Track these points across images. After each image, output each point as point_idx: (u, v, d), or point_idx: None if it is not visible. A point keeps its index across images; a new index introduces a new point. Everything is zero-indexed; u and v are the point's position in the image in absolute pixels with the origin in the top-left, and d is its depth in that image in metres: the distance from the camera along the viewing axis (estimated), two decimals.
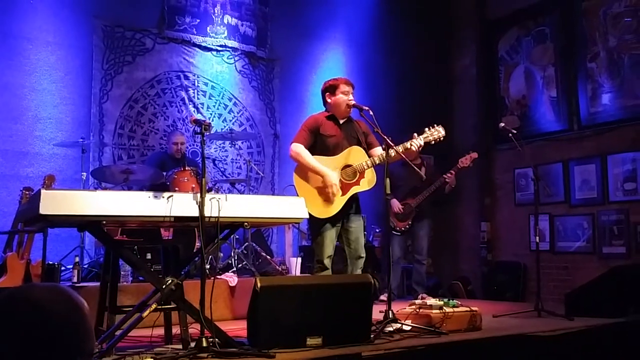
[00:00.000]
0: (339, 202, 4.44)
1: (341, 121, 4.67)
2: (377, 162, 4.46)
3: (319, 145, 4.58)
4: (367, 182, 4.52)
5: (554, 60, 7.99)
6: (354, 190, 4.50)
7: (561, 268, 7.60)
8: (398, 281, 6.88)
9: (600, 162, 7.33)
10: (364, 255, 4.62)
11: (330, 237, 4.48)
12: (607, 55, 7.38)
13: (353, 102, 4.56)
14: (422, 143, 4.51)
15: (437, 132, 4.59)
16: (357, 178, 4.49)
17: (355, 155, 4.53)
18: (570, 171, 7.65)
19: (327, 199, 4.42)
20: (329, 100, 4.68)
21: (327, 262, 4.48)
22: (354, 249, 4.58)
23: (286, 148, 7.70)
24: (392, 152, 4.29)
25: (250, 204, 3.54)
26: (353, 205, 4.59)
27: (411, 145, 4.46)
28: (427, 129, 4.59)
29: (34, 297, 1.43)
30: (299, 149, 4.50)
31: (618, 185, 7.16)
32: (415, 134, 4.53)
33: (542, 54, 8.16)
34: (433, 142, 4.60)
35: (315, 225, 4.49)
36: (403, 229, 6.64)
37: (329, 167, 4.47)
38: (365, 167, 4.47)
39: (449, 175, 6.48)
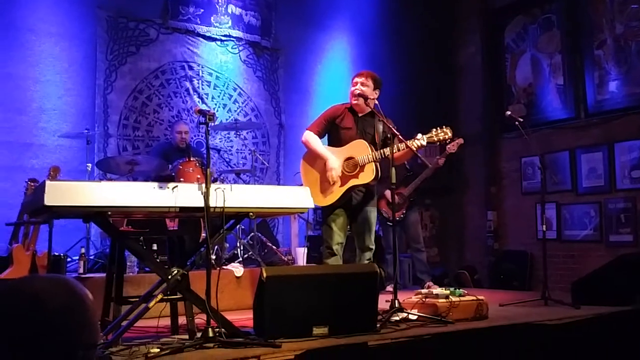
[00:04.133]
0: (337, 192, 4.44)
1: (360, 115, 4.64)
2: (378, 156, 4.43)
3: (333, 135, 4.61)
4: (366, 176, 4.48)
5: (561, 48, 7.94)
6: (352, 182, 4.48)
7: (568, 256, 7.58)
8: (399, 271, 6.88)
9: (607, 150, 7.29)
10: (372, 247, 4.61)
11: (339, 224, 4.50)
12: (614, 42, 7.33)
13: (358, 91, 4.52)
14: (424, 144, 4.41)
15: (443, 134, 4.47)
16: (357, 171, 4.48)
17: (358, 148, 4.50)
18: (577, 159, 7.61)
19: (327, 187, 4.45)
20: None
21: (337, 248, 4.50)
22: (362, 240, 4.60)
23: (291, 138, 7.73)
24: (400, 146, 4.29)
25: (255, 194, 3.53)
26: (364, 196, 4.58)
27: (412, 144, 4.36)
28: (433, 129, 4.47)
29: (34, 289, 1.42)
30: (309, 136, 4.57)
31: (625, 173, 7.12)
32: (420, 134, 4.44)
33: (548, 42, 8.10)
34: (438, 143, 4.53)
35: (325, 212, 4.56)
36: (397, 218, 6.62)
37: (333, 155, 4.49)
38: (367, 161, 4.45)
39: (439, 160, 6.48)
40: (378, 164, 4.49)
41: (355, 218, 4.59)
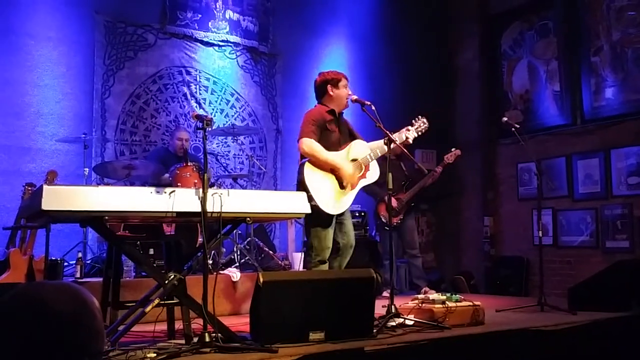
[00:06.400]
0: (350, 196, 4.47)
1: (337, 115, 4.71)
2: (378, 153, 4.55)
3: (323, 140, 4.50)
4: (373, 174, 4.59)
5: (557, 55, 7.96)
6: (362, 183, 4.55)
7: (564, 262, 7.59)
8: (395, 276, 6.90)
9: (604, 156, 7.31)
10: (354, 243, 4.71)
11: (331, 230, 4.52)
12: (611, 49, 7.35)
13: (355, 97, 4.55)
14: (415, 135, 4.68)
15: (423, 124, 4.77)
16: (363, 171, 4.53)
17: (358, 148, 4.57)
18: (574, 165, 7.63)
19: (340, 193, 4.43)
20: (331, 93, 4.64)
21: (328, 256, 4.52)
22: (348, 238, 4.64)
23: (288, 143, 7.73)
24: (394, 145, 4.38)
25: (252, 199, 3.54)
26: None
27: (407, 138, 4.62)
28: (414, 121, 4.76)
29: (41, 295, 1.40)
30: (312, 144, 4.39)
31: (622, 179, 7.14)
32: (409, 127, 4.69)
33: (545, 48, 8.13)
34: (419, 134, 4.75)
35: (323, 218, 4.41)
36: (395, 224, 6.63)
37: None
38: (370, 160, 4.52)
39: (437, 170, 6.64)
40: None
41: (340, 220, 4.61)
